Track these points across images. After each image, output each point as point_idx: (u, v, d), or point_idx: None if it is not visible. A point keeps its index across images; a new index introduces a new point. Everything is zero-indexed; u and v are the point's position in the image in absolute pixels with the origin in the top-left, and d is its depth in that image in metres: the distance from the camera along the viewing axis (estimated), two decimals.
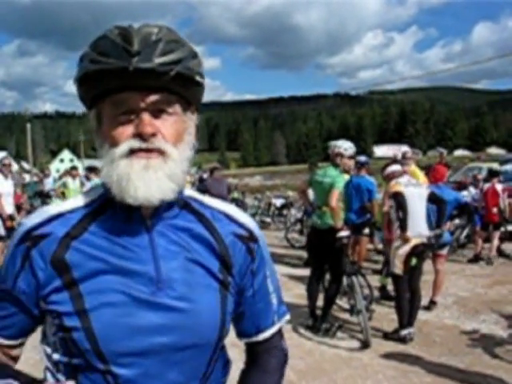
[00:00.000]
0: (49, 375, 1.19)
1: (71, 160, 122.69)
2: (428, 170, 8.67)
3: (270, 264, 1.36)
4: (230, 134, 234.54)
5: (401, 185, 5.94)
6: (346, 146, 6.28)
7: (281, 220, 17.19)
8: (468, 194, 11.78)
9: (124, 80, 1.07)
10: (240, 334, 1.37)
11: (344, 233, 5.99)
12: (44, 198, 14.25)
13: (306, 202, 6.95)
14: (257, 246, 1.30)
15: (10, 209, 9.24)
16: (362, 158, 9.21)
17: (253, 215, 17.92)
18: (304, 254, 10.81)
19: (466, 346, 5.76)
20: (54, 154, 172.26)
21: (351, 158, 6.50)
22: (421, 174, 8.29)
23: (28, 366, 1.29)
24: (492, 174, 10.71)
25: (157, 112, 1.11)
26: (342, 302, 6.95)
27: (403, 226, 5.82)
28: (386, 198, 6.63)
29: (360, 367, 5.21)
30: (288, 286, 8.66)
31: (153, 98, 1.09)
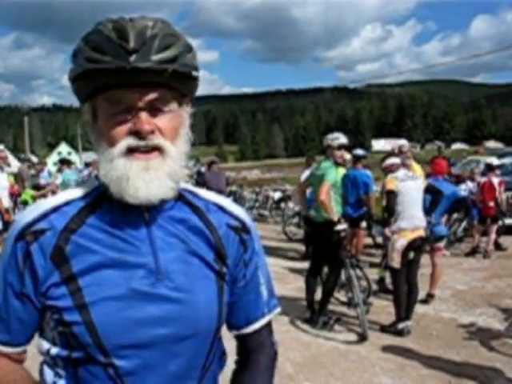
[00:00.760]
0: (46, 369, 1.19)
1: (69, 153, 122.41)
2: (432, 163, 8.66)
3: (261, 255, 1.37)
4: (228, 127, 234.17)
5: (396, 180, 5.94)
6: (332, 137, 6.27)
7: (278, 213, 17.18)
8: (465, 188, 11.78)
9: (121, 78, 1.06)
10: (230, 326, 1.36)
11: (341, 226, 5.99)
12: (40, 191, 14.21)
13: (304, 203, 6.89)
14: (249, 237, 1.33)
15: (6, 202, 9.18)
16: (359, 152, 9.22)
17: (250, 208, 17.94)
18: (302, 247, 10.84)
19: (463, 339, 5.78)
20: (51, 147, 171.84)
21: (341, 148, 6.36)
22: (418, 168, 8.30)
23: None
24: (489, 168, 10.72)
25: (154, 109, 1.11)
26: (340, 295, 6.96)
27: (385, 224, 5.96)
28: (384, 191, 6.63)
29: (357, 360, 5.22)
30: (286, 279, 8.68)
31: (150, 95, 1.10)
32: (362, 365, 5.10)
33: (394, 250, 5.86)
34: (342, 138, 6.30)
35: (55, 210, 1.16)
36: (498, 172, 10.76)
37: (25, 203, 12.51)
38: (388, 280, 7.03)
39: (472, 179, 12.02)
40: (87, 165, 15.04)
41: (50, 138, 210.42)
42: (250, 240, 1.32)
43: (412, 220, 5.85)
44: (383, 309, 6.76)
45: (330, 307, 6.47)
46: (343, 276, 6.38)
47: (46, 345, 1.17)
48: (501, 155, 16.30)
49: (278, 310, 1.41)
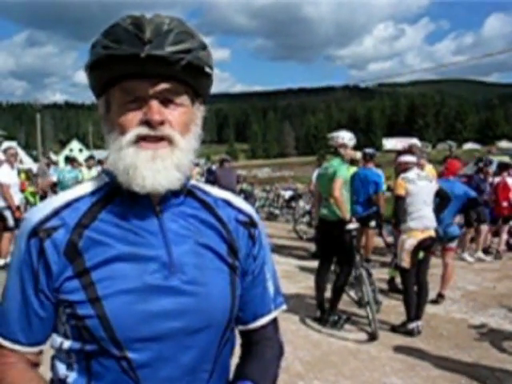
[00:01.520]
0: (58, 363, 1.19)
1: (80, 150, 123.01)
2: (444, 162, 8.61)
3: (268, 251, 1.39)
4: (239, 125, 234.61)
5: (406, 183, 5.88)
6: (349, 137, 6.27)
7: (289, 212, 17.17)
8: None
9: (135, 67, 1.08)
10: (236, 321, 1.35)
11: (353, 225, 5.98)
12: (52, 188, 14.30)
13: (317, 207, 6.87)
14: (257, 231, 1.34)
15: (16, 199, 9.23)
16: (370, 151, 9.22)
17: (261, 207, 17.96)
18: (312, 245, 10.82)
19: (473, 339, 5.75)
20: (63, 144, 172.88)
21: (354, 148, 6.51)
22: (431, 168, 8.26)
23: None
24: (502, 168, 10.63)
25: (165, 101, 1.12)
26: (350, 294, 6.95)
27: (395, 227, 5.91)
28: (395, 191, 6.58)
29: (367, 360, 5.21)
30: (296, 277, 8.67)
31: (162, 86, 1.11)
32: (371, 364, 5.09)
33: (403, 250, 5.83)
34: (354, 139, 6.33)
35: (67, 206, 1.17)
36: (510, 171, 10.68)
37: (26, 200, 12.56)
38: (398, 280, 7.01)
39: (485, 179, 11.95)
40: (99, 162, 15.09)
41: (62, 135, 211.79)
42: (257, 234, 1.34)
43: (422, 220, 5.82)
44: (393, 308, 6.74)
45: (340, 306, 6.46)
46: (353, 275, 6.35)
47: (58, 339, 1.18)
48: None
49: (284, 307, 1.43)
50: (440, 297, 7.06)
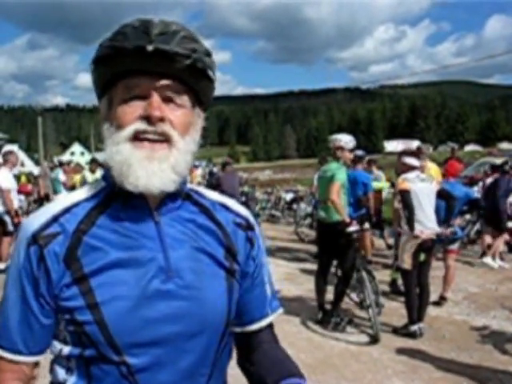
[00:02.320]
0: (57, 367, 1.19)
1: (82, 153, 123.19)
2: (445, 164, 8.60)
3: (264, 254, 1.40)
4: (241, 127, 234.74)
5: (408, 181, 5.89)
6: (346, 140, 6.28)
7: (291, 214, 17.18)
8: (478, 190, 11.71)
9: (140, 62, 1.09)
10: (234, 323, 1.35)
11: (353, 228, 5.98)
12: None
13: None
14: (254, 234, 1.35)
15: (15, 203, 9.25)
16: (360, 152, 9.26)
17: (262, 209, 17.95)
18: (314, 248, 10.81)
19: (476, 341, 5.74)
20: (64, 147, 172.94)
21: (352, 151, 6.49)
22: (435, 167, 8.25)
23: None
24: (494, 169, 10.68)
25: (167, 99, 1.13)
26: (352, 296, 6.94)
27: (410, 225, 5.82)
28: (396, 192, 6.57)
29: (369, 362, 5.20)
30: (297, 280, 8.67)
31: (165, 82, 1.11)
32: (374, 367, 5.08)
33: (404, 252, 5.83)
34: (353, 141, 6.34)
35: (65, 212, 1.17)
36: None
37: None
38: (400, 282, 7.00)
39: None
40: (101, 165, 15.09)
41: (64, 138, 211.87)
42: (255, 237, 1.35)
43: (423, 222, 5.81)
44: (395, 310, 6.73)
45: (342, 308, 6.45)
46: (355, 277, 6.35)
47: (57, 345, 1.18)
48: None
49: (280, 311, 1.43)
50: (442, 299, 7.05)
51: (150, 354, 1.12)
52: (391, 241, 10.21)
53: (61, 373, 1.18)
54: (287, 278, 8.81)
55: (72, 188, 11.46)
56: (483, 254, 10.22)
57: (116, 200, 1.18)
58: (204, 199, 1.31)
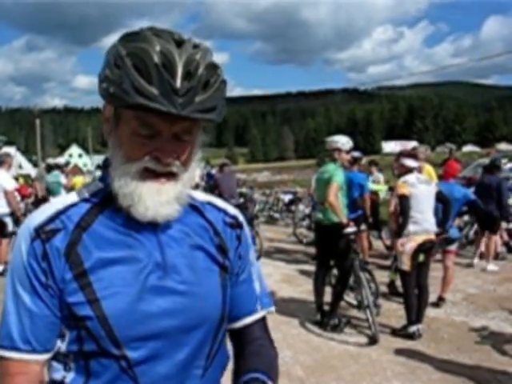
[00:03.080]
0: (55, 364, 1.21)
1: (80, 155, 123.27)
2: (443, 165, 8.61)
3: (252, 251, 1.44)
4: (238, 129, 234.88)
5: (407, 185, 5.89)
6: (343, 141, 6.28)
7: (289, 215, 17.16)
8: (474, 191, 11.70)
9: (161, 112, 1.08)
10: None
11: (351, 229, 5.98)
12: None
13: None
14: (242, 232, 1.40)
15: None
16: (356, 153, 9.27)
17: (261, 211, 17.94)
18: (312, 249, 10.81)
19: (474, 342, 5.73)
20: (62, 148, 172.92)
21: (349, 152, 6.49)
22: (431, 170, 8.26)
23: None
24: (486, 170, 10.71)
25: (179, 139, 1.16)
26: (350, 297, 6.94)
27: (399, 232, 5.88)
28: (394, 195, 6.56)
29: (368, 363, 5.20)
30: (296, 281, 8.67)
31: (180, 126, 1.14)
32: (372, 368, 5.08)
33: (403, 253, 5.83)
34: (350, 142, 6.33)
35: (66, 210, 1.21)
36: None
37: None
38: (398, 283, 7.00)
39: None
40: (99, 167, 15.07)
41: (61, 139, 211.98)
42: (243, 235, 1.40)
43: (422, 224, 5.82)
44: (394, 312, 6.73)
45: (340, 310, 6.45)
46: (352, 278, 6.34)
47: (56, 342, 1.19)
48: None
49: (272, 308, 1.46)
50: (440, 300, 7.05)
51: (149, 347, 1.16)
52: (389, 242, 10.22)
53: (59, 370, 1.20)
54: (285, 279, 8.81)
55: (71, 190, 11.39)
56: (481, 257, 10.23)
57: (114, 200, 1.20)
58: (193, 199, 1.34)
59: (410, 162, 6.12)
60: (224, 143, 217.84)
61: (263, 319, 1.42)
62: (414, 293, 5.92)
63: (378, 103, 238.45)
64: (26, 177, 16.44)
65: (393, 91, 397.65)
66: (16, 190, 11.40)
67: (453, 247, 7.17)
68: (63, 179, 12.27)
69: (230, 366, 1.37)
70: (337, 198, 6.02)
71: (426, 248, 5.89)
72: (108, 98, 1.14)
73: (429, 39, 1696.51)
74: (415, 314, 5.85)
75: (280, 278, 8.71)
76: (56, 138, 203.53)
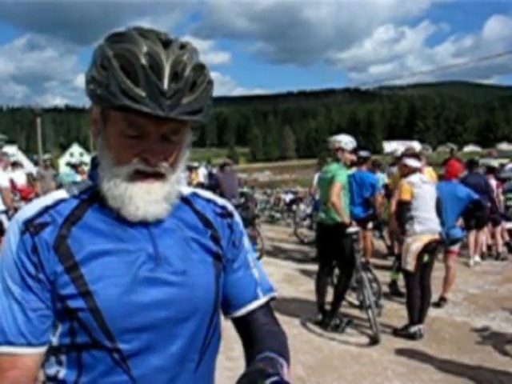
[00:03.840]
0: (49, 360, 1.20)
1: (81, 154, 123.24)
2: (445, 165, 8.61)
3: (246, 239, 1.45)
4: (240, 128, 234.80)
5: (411, 187, 5.88)
6: (346, 140, 6.25)
7: (290, 215, 17.17)
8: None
9: (149, 116, 1.10)
10: (225, 310, 1.39)
11: (353, 229, 5.97)
12: None
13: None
14: (233, 221, 1.41)
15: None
16: (364, 153, 9.27)
17: (262, 210, 17.95)
18: (313, 249, 10.81)
19: (476, 343, 5.73)
20: (63, 147, 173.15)
21: (352, 152, 6.45)
22: (430, 170, 8.25)
23: None
24: (489, 170, 10.74)
25: (166, 139, 1.18)
26: (352, 297, 6.93)
27: (400, 228, 5.96)
28: (396, 194, 6.54)
29: (369, 363, 5.19)
30: (297, 281, 8.66)
31: (168, 127, 1.15)
32: (373, 368, 5.07)
33: (408, 253, 5.82)
34: (354, 142, 6.32)
35: (55, 204, 1.21)
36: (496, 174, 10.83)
37: None
38: (400, 283, 6.99)
39: None
40: None
41: (63, 138, 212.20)
42: (234, 223, 1.41)
43: (427, 224, 5.82)
44: (395, 312, 6.72)
45: (342, 310, 6.45)
46: (354, 278, 6.33)
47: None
48: None
49: (275, 294, 1.44)
50: (442, 300, 7.04)
51: (141, 339, 1.16)
52: (390, 242, 10.21)
53: (52, 364, 1.20)
54: (287, 279, 8.80)
55: None
56: (482, 256, 10.24)
57: (103, 201, 1.21)
58: (183, 193, 1.35)
59: (413, 163, 6.12)
60: (225, 143, 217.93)
61: (267, 305, 1.41)
62: (417, 293, 5.91)
63: (379, 103, 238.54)
64: (28, 175, 16.38)
65: (394, 91, 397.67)
66: (18, 191, 11.66)
67: (455, 247, 7.16)
68: (78, 178, 12.35)
69: (227, 364, 1.37)
70: (339, 198, 6.01)
71: (430, 248, 5.88)
72: (95, 99, 1.15)
73: (430, 39, 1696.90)
74: (417, 314, 5.84)
75: (281, 278, 8.70)
76: (57, 137, 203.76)
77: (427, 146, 12.04)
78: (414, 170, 6.07)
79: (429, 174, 8.00)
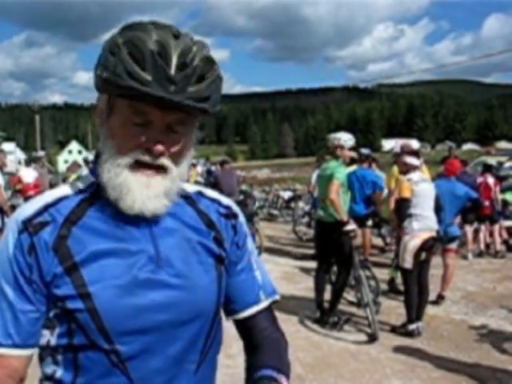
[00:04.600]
0: (45, 359, 1.19)
1: (79, 151, 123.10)
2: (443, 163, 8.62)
3: (250, 240, 1.42)
4: (238, 126, 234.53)
5: (411, 184, 5.89)
6: (345, 138, 6.25)
7: (288, 213, 17.15)
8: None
9: (154, 101, 1.09)
10: (227, 312, 1.38)
11: (351, 226, 5.97)
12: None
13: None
14: (237, 221, 1.38)
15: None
16: (365, 151, 9.28)
17: (260, 208, 17.91)
18: (312, 246, 10.81)
19: (474, 340, 5.73)
20: (62, 145, 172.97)
21: (351, 149, 6.45)
22: (425, 169, 8.26)
23: None
24: (486, 168, 10.76)
25: (169, 129, 1.15)
26: (350, 295, 6.94)
27: (399, 226, 5.96)
28: (395, 192, 6.54)
29: (368, 361, 5.20)
30: (296, 278, 8.67)
31: (174, 116, 1.14)
32: (372, 366, 5.07)
33: (406, 251, 5.83)
34: (353, 139, 6.31)
35: (55, 203, 1.19)
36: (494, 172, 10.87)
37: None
38: (399, 280, 7.00)
39: None
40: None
41: (61, 136, 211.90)
42: (238, 224, 1.38)
43: (425, 221, 5.83)
44: (393, 309, 6.73)
45: (340, 307, 6.45)
46: (352, 276, 6.34)
47: (46, 334, 1.17)
48: None
49: (277, 297, 1.43)
50: (440, 298, 7.05)
51: (140, 341, 1.14)
52: (389, 239, 10.23)
53: (49, 364, 1.19)
54: (285, 276, 8.80)
55: None
56: (480, 254, 10.27)
57: (105, 193, 1.19)
58: (185, 191, 1.33)
59: (412, 160, 6.12)
60: (224, 140, 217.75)
61: (269, 309, 1.40)
62: (415, 291, 5.92)
63: (378, 101, 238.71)
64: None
65: (393, 89, 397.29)
66: (19, 192, 11.78)
67: (453, 245, 7.17)
68: None
69: (226, 361, 1.36)
70: (338, 196, 6.00)
71: (428, 246, 5.89)
72: (101, 84, 1.14)
73: (429, 37, 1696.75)
74: (415, 311, 5.85)
75: (279, 275, 8.70)
76: (56, 135, 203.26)
77: (425, 145, 12.08)
78: (413, 168, 6.07)
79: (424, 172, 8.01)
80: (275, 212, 18.02)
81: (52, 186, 13.48)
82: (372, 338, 5.70)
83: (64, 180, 12.19)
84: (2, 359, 1.13)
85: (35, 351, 1.18)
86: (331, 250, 6.29)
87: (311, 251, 10.47)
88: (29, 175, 12.29)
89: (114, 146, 1.15)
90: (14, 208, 11.46)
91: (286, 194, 18.45)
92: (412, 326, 5.81)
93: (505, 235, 10.84)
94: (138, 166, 1.14)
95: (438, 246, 6.57)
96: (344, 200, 6.20)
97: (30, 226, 1.14)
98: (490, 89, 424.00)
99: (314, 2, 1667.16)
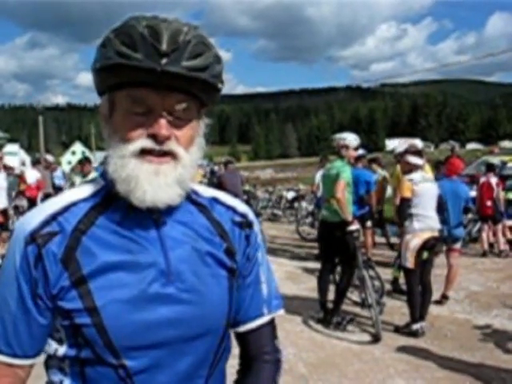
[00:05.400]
0: (53, 368, 1.18)
1: (83, 152, 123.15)
2: (444, 163, 8.61)
3: (263, 252, 1.36)
4: (242, 126, 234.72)
5: (413, 184, 5.88)
6: (351, 138, 6.25)
7: (292, 213, 17.15)
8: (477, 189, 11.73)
9: (148, 78, 1.05)
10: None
11: (354, 226, 5.96)
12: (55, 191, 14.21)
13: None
14: (252, 231, 1.32)
15: (3, 203, 9.53)
16: (360, 151, 9.29)
17: (264, 208, 17.93)
18: (315, 246, 10.80)
19: (478, 340, 5.72)
20: (65, 146, 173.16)
21: (356, 149, 6.47)
22: (428, 168, 8.25)
23: None
24: (489, 168, 10.75)
25: (174, 115, 1.11)
26: (353, 295, 6.93)
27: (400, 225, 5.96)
28: (398, 192, 6.54)
29: (371, 361, 5.19)
30: (299, 278, 8.66)
31: (173, 99, 1.09)
32: (375, 366, 5.07)
33: (407, 250, 5.82)
34: (358, 140, 6.32)
35: (63, 211, 1.14)
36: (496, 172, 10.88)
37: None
38: (402, 280, 6.99)
39: None
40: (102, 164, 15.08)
41: (65, 137, 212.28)
42: (252, 235, 1.32)
43: (427, 221, 5.82)
44: (397, 309, 6.72)
45: (344, 307, 6.44)
46: (356, 276, 6.33)
47: (53, 344, 1.15)
48: None
49: (281, 311, 1.39)
50: (444, 298, 7.03)
51: (149, 356, 1.11)
52: (393, 239, 10.21)
53: (56, 373, 1.17)
54: (289, 276, 8.80)
55: None
56: (484, 254, 10.25)
57: (116, 200, 1.15)
58: (201, 198, 1.29)
59: (415, 160, 6.11)
60: (227, 141, 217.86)
61: (271, 322, 1.36)
62: (417, 290, 5.92)
63: (381, 101, 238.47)
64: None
65: (396, 88, 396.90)
66: (20, 193, 11.89)
67: (457, 245, 7.15)
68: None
69: (230, 361, 1.36)
70: (344, 195, 6.00)
71: (430, 245, 5.88)
72: (97, 78, 1.13)
73: (433, 36, 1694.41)
74: (418, 311, 5.84)
75: (283, 276, 8.69)
76: (59, 135, 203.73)
77: (428, 144, 12.08)
78: (416, 168, 6.07)
79: (427, 171, 8.01)
80: (278, 212, 18.00)
81: (55, 188, 13.52)
82: (376, 338, 5.70)
83: (71, 184, 12.08)
84: (5, 367, 1.12)
85: (41, 357, 1.17)
86: (335, 250, 6.28)
87: (315, 251, 10.46)
88: (32, 176, 12.43)
89: (119, 139, 1.11)
90: (17, 208, 11.60)
91: (290, 194, 18.43)
92: (416, 326, 5.80)
93: (508, 234, 10.82)
94: (144, 154, 1.09)
95: (440, 246, 6.57)
96: (349, 200, 6.19)
97: (38, 237, 1.09)
98: (493, 88, 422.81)
99: (316, 2, 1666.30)
